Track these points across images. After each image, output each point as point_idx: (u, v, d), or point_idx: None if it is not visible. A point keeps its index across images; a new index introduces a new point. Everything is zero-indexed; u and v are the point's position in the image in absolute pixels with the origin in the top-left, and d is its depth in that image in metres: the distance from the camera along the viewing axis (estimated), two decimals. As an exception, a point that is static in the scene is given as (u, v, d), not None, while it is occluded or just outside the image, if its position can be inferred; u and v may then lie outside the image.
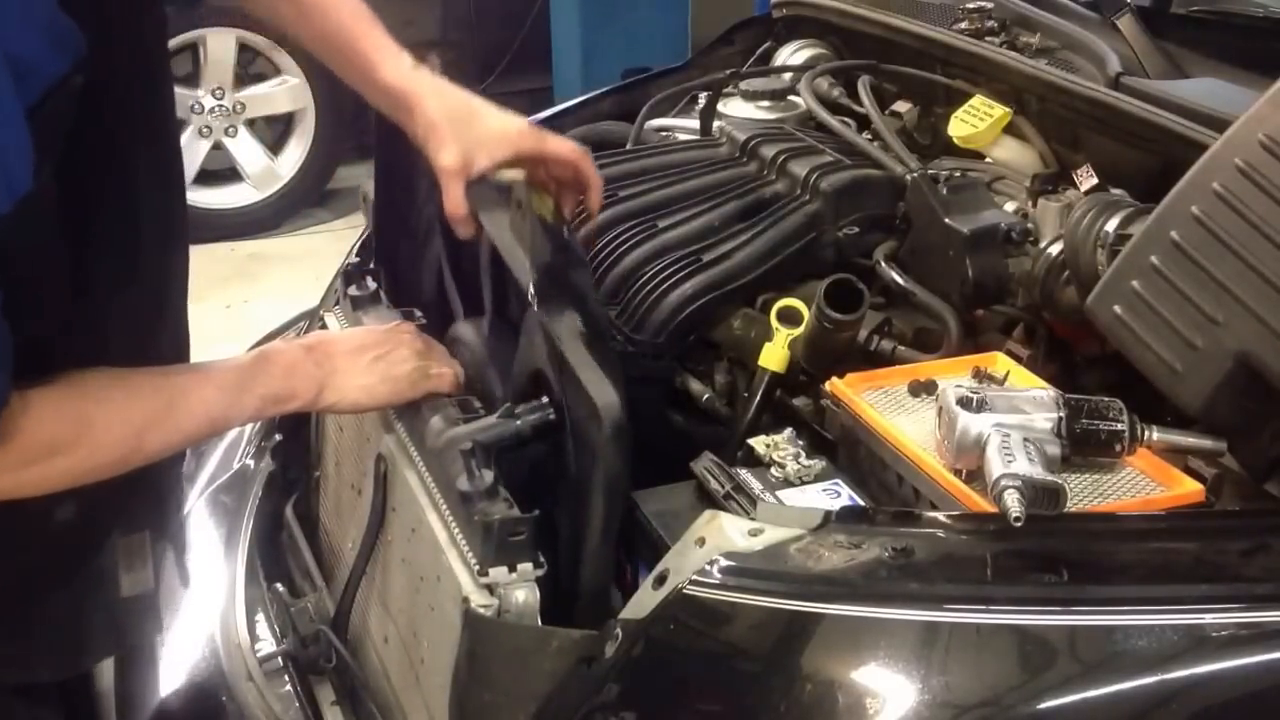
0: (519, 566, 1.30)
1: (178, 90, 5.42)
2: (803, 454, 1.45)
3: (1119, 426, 1.37)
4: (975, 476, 1.33)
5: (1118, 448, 1.37)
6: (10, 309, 1.09)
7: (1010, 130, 1.94)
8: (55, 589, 1.38)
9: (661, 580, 1.25)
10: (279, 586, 1.77)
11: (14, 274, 1.08)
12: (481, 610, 1.29)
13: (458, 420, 1.45)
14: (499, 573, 1.30)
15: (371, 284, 1.80)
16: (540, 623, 1.29)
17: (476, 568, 1.31)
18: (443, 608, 1.38)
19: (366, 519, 1.59)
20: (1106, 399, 1.39)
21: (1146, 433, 1.38)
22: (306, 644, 1.66)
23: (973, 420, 1.33)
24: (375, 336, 1.52)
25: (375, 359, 1.48)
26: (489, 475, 1.35)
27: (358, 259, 1.99)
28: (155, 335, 1.40)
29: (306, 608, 1.72)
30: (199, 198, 5.07)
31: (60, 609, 1.39)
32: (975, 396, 1.35)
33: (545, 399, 1.44)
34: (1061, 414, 1.36)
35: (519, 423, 1.43)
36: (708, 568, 1.22)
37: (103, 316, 1.30)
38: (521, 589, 1.29)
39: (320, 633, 1.65)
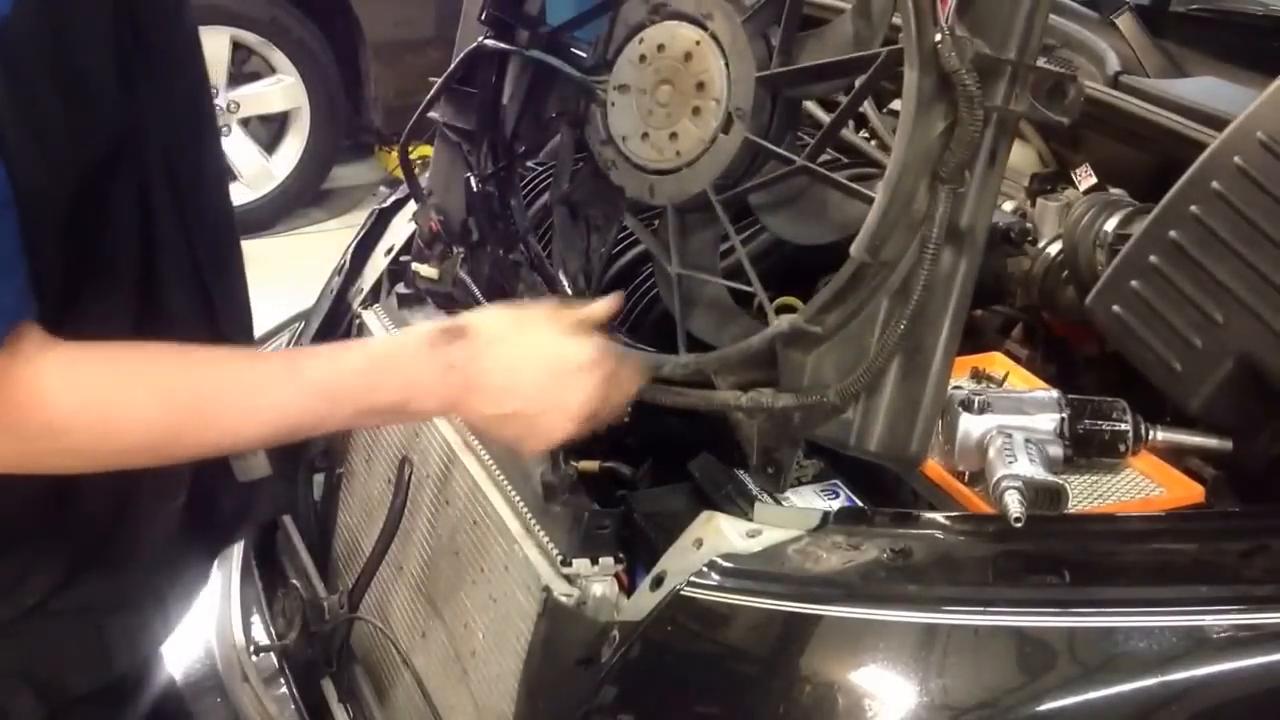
0: (601, 560, 1.33)
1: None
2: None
3: (1123, 427, 1.36)
4: (977, 478, 1.33)
5: (1121, 448, 1.37)
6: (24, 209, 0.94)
7: (1008, 129, 1.94)
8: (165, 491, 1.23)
9: (659, 582, 1.24)
10: (295, 584, 1.76)
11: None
12: (563, 599, 1.30)
13: None
14: (582, 564, 1.32)
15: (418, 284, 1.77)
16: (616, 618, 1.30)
17: (560, 558, 1.34)
18: (510, 598, 1.40)
19: (399, 513, 1.61)
20: (1110, 399, 1.38)
21: (1151, 432, 1.38)
22: (318, 640, 1.66)
23: (975, 422, 1.33)
24: (551, 379, 1.16)
25: (537, 410, 1.16)
26: (572, 469, 1.38)
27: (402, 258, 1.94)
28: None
29: (321, 605, 1.71)
30: (195, 197, 5.05)
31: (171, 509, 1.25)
32: (978, 398, 1.35)
33: None
34: (1064, 415, 1.35)
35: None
36: (705, 569, 1.22)
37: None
38: (601, 582, 1.32)
39: (336, 628, 1.65)
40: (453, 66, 1.62)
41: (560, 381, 1.16)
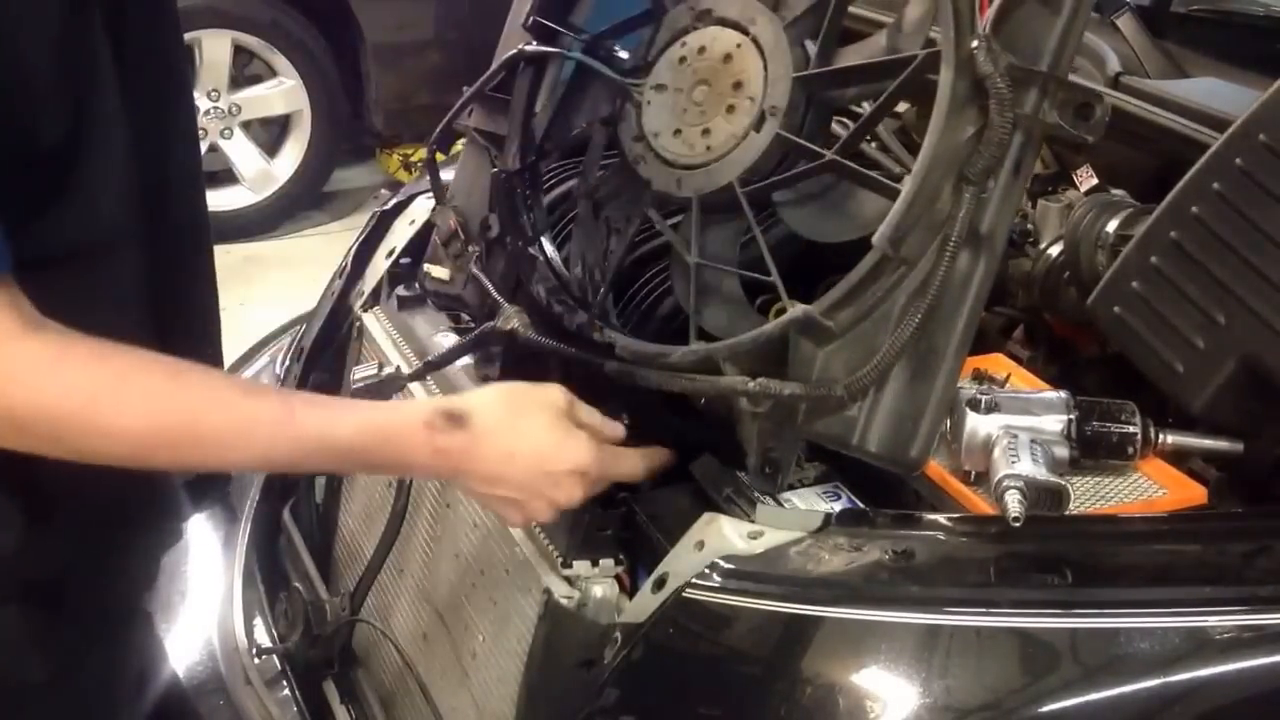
0: (602, 562, 1.33)
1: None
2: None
3: (1131, 429, 1.36)
4: (983, 479, 1.33)
5: (1130, 451, 1.37)
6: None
7: (1010, 130, 1.93)
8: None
9: (661, 583, 1.24)
10: (297, 586, 1.77)
11: None
12: (564, 601, 1.30)
13: None
14: (582, 565, 1.32)
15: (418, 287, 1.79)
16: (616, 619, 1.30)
17: (560, 559, 1.33)
18: (510, 600, 1.40)
19: (400, 517, 1.61)
20: (1119, 401, 1.38)
21: (1160, 436, 1.37)
22: (320, 642, 1.66)
23: (981, 422, 1.33)
24: (540, 476, 1.22)
25: (523, 498, 1.23)
26: None
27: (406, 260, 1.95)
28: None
29: (324, 607, 1.71)
30: (195, 200, 5.06)
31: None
32: (985, 398, 1.35)
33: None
34: (1072, 416, 1.35)
35: None
36: (707, 571, 1.22)
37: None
38: (601, 584, 1.31)
39: (339, 630, 1.65)
40: (491, 71, 1.62)
41: (550, 479, 1.22)
